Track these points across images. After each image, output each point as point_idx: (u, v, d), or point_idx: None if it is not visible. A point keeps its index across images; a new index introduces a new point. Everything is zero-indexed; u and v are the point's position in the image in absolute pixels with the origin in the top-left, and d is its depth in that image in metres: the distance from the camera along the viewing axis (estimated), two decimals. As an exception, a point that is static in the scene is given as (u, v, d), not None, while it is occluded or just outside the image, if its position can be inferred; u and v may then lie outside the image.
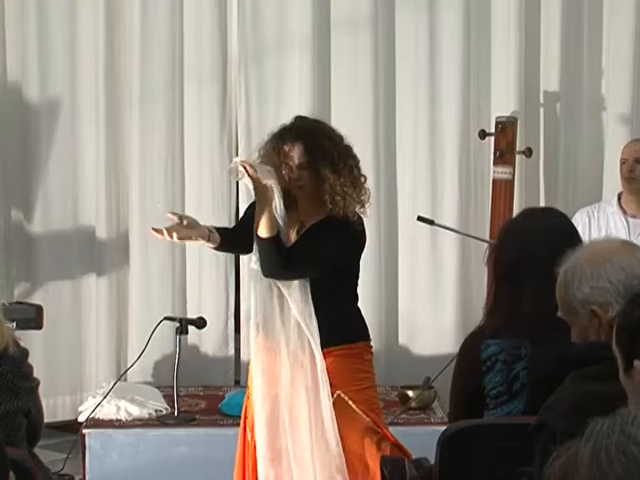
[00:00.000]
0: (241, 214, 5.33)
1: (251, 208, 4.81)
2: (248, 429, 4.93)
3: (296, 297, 4.77)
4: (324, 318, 4.81)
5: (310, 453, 4.79)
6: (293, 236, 4.76)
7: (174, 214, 4.67)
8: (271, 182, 4.58)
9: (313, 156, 4.66)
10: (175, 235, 4.58)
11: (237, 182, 6.32)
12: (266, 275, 4.74)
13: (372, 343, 5.03)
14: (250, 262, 4.83)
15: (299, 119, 4.84)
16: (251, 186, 4.58)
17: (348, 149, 4.81)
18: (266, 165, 4.62)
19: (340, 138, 4.79)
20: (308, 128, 4.74)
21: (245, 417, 5.01)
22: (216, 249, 4.85)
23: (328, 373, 4.78)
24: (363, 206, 4.74)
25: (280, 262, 4.67)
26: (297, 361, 4.78)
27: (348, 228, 4.75)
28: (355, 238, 4.85)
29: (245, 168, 4.49)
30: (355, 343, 4.93)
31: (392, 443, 4.91)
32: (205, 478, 5.77)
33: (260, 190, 4.59)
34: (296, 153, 4.66)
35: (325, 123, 4.95)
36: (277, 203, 4.65)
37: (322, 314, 4.80)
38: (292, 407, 4.80)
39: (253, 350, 4.87)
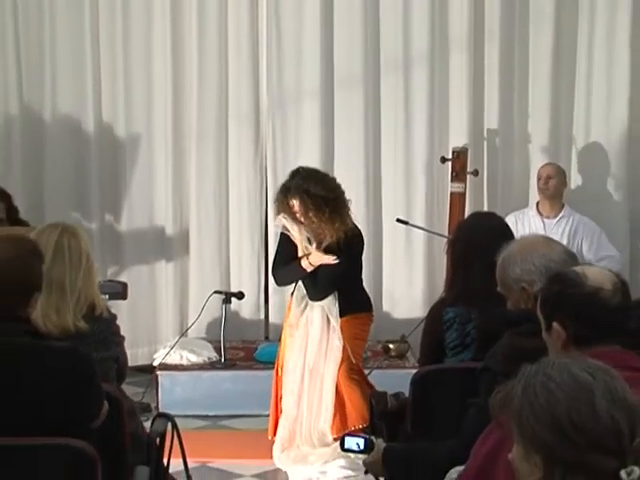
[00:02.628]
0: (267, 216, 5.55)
1: (282, 235, 5.03)
2: (280, 368, 5.04)
3: (327, 303, 4.94)
4: (342, 298, 4.90)
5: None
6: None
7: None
8: (297, 227, 4.87)
9: (308, 208, 4.80)
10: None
11: (266, 199, 6.49)
12: (311, 299, 4.93)
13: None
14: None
15: (296, 174, 4.94)
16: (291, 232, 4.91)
17: (333, 194, 4.87)
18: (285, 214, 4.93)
19: (326, 185, 4.90)
20: (301, 185, 4.85)
21: (278, 361, 5.08)
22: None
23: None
24: (345, 225, 4.85)
25: (312, 290, 4.90)
26: (322, 331, 4.93)
27: (349, 247, 4.83)
28: (356, 252, 5.02)
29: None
30: (361, 313, 5.00)
31: (365, 379, 5.06)
32: (243, 406, 5.78)
33: (292, 233, 4.87)
34: (296, 207, 4.84)
35: (317, 174, 5.01)
36: (304, 239, 4.79)
37: (340, 296, 4.89)
38: (316, 360, 4.95)
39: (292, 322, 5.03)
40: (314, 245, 4.87)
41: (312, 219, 4.79)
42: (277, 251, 5.14)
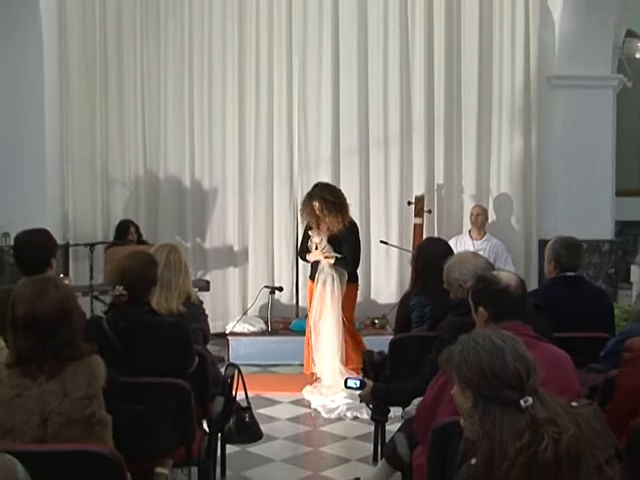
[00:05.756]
0: (299, 234, 5.66)
1: (305, 231, 5.12)
2: (311, 323, 5.06)
3: (339, 274, 5.00)
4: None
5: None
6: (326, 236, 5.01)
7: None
8: (319, 237, 4.96)
9: (323, 207, 4.91)
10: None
11: (297, 229, 6.39)
12: (350, 272, 5.00)
13: (360, 290, 5.38)
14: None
15: (316, 186, 5.06)
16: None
17: (338, 200, 4.97)
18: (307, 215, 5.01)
19: (334, 194, 4.99)
20: (319, 193, 4.97)
21: (308, 318, 5.12)
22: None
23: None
24: (344, 220, 4.94)
25: (347, 267, 4.97)
26: (332, 292, 4.94)
27: (351, 231, 4.94)
28: (356, 233, 5.08)
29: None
30: (352, 283, 5.07)
31: (356, 339, 5.02)
32: (282, 359, 5.75)
33: (315, 237, 4.97)
34: (316, 207, 4.94)
35: (328, 186, 5.09)
36: (319, 242, 4.97)
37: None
38: (326, 311, 4.96)
39: (318, 290, 5.01)
40: (319, 245, 4.94)
41: (325, 214, 4.91)
42: (301, 242, 5.30)
